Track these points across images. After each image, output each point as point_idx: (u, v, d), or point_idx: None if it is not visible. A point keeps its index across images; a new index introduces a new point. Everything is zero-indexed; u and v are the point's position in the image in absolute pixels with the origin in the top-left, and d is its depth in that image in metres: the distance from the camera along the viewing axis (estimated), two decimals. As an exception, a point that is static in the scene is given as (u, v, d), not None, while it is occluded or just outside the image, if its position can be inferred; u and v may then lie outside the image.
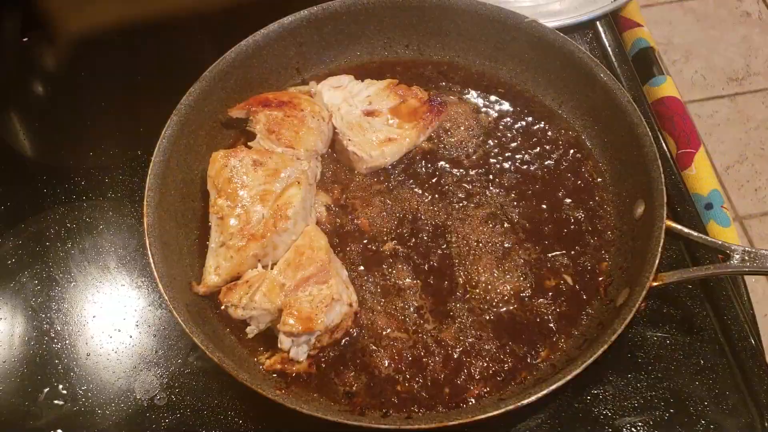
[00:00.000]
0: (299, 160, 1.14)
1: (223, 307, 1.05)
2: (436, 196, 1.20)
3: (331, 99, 1.25)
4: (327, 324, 1.01)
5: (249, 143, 1.18)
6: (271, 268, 1.05)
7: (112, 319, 1.11)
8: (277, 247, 1.07)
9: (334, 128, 1.23)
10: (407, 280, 1.11)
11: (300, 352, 1.02)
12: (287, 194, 1.10)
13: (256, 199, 1.08)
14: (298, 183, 1.10)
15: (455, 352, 1.04)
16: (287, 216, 1.07)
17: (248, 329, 1.04)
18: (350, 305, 1.05)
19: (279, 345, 1.02)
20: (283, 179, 1.10)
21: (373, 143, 1.20)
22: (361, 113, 1.24)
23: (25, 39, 1.47)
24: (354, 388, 1.01)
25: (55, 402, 1.04)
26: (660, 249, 1.00)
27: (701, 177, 1.24)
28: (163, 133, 1.12)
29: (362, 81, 1.29)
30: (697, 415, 1.01)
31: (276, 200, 1.09)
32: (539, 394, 0.90)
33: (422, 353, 1.04)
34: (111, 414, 1.03)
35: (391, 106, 1.25)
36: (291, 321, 0.99)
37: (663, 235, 1.01)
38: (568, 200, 1.19)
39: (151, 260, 1.01)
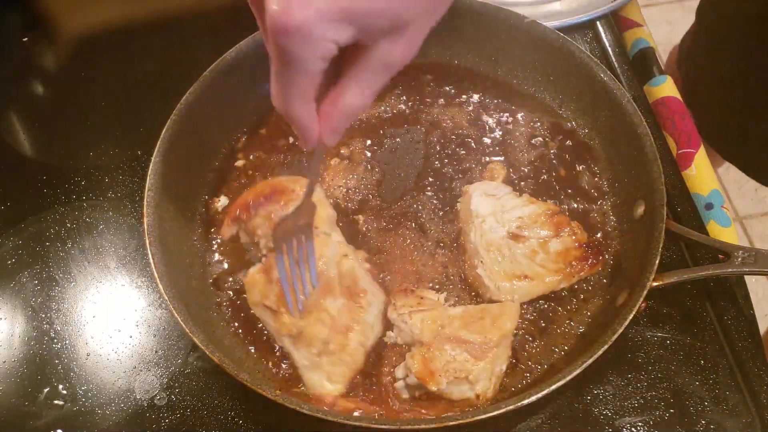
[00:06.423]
0: (326, 234, 1.05)
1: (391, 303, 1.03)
2: (435, 195, 1.20)
3: (478, 207, 1.11)
4: (442, 390, 0.94)
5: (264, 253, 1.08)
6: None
7: (112, 319, 1.11)
8: (372, 324, 1.02)
9: (469, 242, 1.10)
10: (405, 281, 1.11)
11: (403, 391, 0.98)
12: (344, 270, 1.01)
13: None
14: (345, 255, 1.03)
15: (455, 352, 1.04)
16: (364, 290, 1.01)
17: (387, 336, 1.03)
18: (476, 394, 0.96)
19: (395, 371, 0.99)
20: (330, 260, 1.01)
21: (506, 274, 1.05)
22: (506, 234, 1.08)
23: (25, 39, 1.47)
24: (354, 388, 1.01)
25: (55, 402, 1.04)
26: (660, 249, 1.00)
27: (701, 177, 1.24)
28: (163, 133, 1.12)
29: (521, 196, 1.15)
30: (697, 415, 1.01)
31: (340, 281, 1.00)
32: (539, 394, 0.90)
33: (422, 353, 1.04)
34: (111, 414, 1.03)
35: (542, 237, 1.08)
36: (416, 362, 0.95)
37: (663, 235, 1.01)
38: (568, 200, 1.19)
39: (151, 260, 1.01)
